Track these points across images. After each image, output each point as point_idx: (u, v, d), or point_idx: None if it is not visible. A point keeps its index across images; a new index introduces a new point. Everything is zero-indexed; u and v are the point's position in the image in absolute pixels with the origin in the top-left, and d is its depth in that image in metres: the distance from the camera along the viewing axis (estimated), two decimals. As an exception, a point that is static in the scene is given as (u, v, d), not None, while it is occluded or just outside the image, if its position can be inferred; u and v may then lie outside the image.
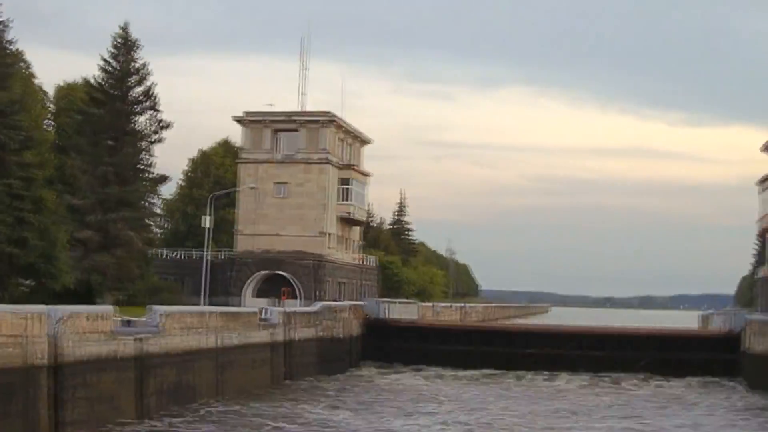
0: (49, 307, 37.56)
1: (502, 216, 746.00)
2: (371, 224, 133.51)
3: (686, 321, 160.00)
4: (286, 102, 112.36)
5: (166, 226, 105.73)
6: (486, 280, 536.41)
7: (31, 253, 47.23)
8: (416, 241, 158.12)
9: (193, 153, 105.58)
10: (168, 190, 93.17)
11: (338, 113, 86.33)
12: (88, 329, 39.44)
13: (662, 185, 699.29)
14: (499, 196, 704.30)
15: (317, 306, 69.21)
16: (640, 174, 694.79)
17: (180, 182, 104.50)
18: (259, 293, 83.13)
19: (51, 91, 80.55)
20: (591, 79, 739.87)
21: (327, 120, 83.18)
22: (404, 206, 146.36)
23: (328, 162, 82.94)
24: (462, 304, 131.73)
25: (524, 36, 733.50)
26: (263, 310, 59.84)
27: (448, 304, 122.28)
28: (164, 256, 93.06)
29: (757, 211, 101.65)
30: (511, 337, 75.27)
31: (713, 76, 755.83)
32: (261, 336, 58.05)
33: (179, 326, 47.42)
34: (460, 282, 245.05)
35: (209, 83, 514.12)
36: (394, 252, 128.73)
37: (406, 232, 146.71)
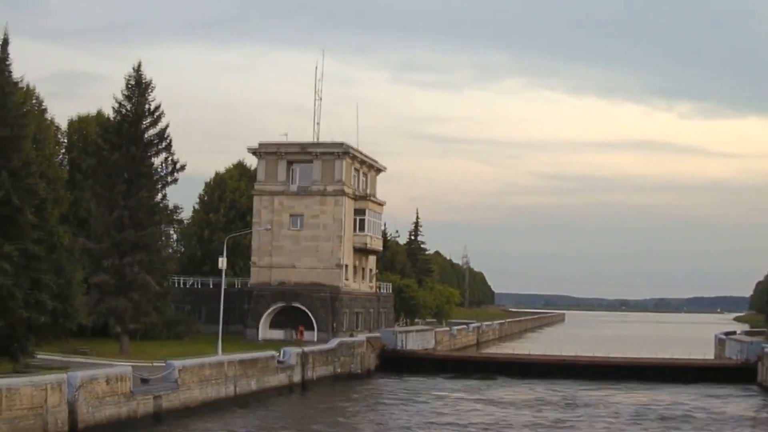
0: (69, 374, 37.66)
1: (513, 216, 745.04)
2: (387, 240, 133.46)
3: (703, 332, 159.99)
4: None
5: (182, 251, 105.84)
6: (500, 284, 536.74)
7: (46, 292, 47.18)
8: (429, 251, 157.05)
9: (210, 174, 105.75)
10: (184, 212, 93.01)
11: (353, 141, 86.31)
12: (107, 392, 39.62)
13: (677, 182, 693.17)
14: (510, 196, 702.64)
15: (334, 343, 69.36)
16: (654, 169, 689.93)
17: (195, 206, 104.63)
18: (275, 325, 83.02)
19: (63, 123, 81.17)
20: (594, 68, 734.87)
21: (341, 152, 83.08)
22: (419, 227, 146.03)
23: (343, 194, 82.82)
24: (478, 324, 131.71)
25: (524, 24, 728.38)
26: (281, 352, 60.05)
27: (464, 325, 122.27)
28: (180, 284, 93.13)
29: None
30: (526, 367, 75.44)
31: (726, 63, 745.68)
32: (279, 379, 58.25)
33: (197, 379, 47.60)
34: (475, 290, 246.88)
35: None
36: (410, 274, 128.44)
37: (421, 253, 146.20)
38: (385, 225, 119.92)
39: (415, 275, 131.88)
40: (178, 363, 46.14)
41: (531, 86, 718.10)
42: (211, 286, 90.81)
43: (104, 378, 38.95)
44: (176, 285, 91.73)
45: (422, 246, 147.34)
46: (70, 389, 36.53)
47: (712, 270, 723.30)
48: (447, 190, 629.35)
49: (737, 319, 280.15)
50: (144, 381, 43.15)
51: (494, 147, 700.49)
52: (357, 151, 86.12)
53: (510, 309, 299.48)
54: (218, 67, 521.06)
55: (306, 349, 63.68)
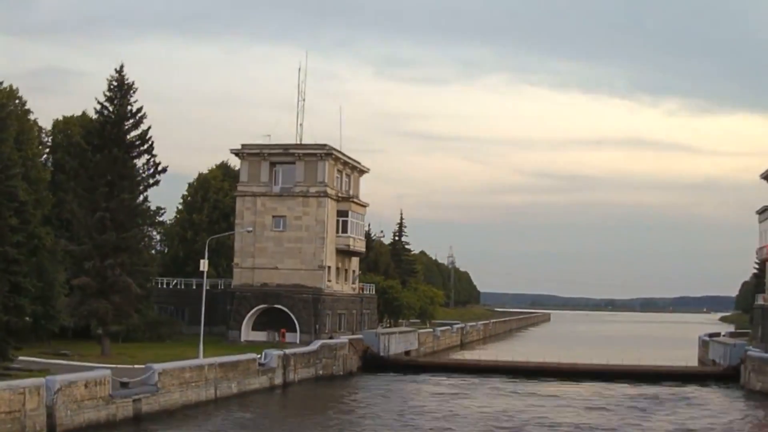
0: (48, 378, 37.70)
1: (499, 215, 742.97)
2: (371, 239, 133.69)
3: (689, 331, 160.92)
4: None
5: (165, 251, 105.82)
6: (486, 283, 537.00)
7: (26, 296, 47.15)
8: (413, 251, 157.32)
9: (193, 175, 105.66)
10: (166, 212, 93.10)
11: (336, 142, 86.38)
12: (86, 396, 39.63)
13: (663, 180, 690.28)
14: (495, 194, 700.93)
15: (316, 345, 69.46)
16: (640, 167, 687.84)
17: (178, 206, 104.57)
18: (258, 326, 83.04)
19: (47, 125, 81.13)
20: (578, 64, 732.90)
21: (324, 153, 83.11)
22: (403, 227, 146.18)
23: (326, 195, 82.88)
24: (462, 325, 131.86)
25: (506, 18, 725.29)
26: (263, 355, 60.16)
27: (448, 326, 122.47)
28: (163, 285, 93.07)
29: (758, 239, 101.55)
30: (509, 372, 75.51)
31: (714, 58, 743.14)
32: (260, 381, 58.31)
33: (177, 382, 47.61)
34: (460, 290, 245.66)
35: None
36: (394, 275, 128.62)
37: (406, 253, 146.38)
38: (369, 226, 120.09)
39: (399, 276, 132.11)
40: (157, 366, 46.16)
41: (514, 82, 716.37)
42: (194, 287, 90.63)
43: (83, 382, 38.98)
44: (159, 286, 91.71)
45: (406, 246, 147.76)
46: (49, 393, 36.56)
47: (699, 270, 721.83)
48: (432, 188, 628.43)
49: (723, 320, 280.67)
50: (123, 385, 43.13)
51: (479, 144, 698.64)
52: (340, 152, 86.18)
53: (496, 309, 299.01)
54: (198, 61, 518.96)
55: (287, 351, 63.80)
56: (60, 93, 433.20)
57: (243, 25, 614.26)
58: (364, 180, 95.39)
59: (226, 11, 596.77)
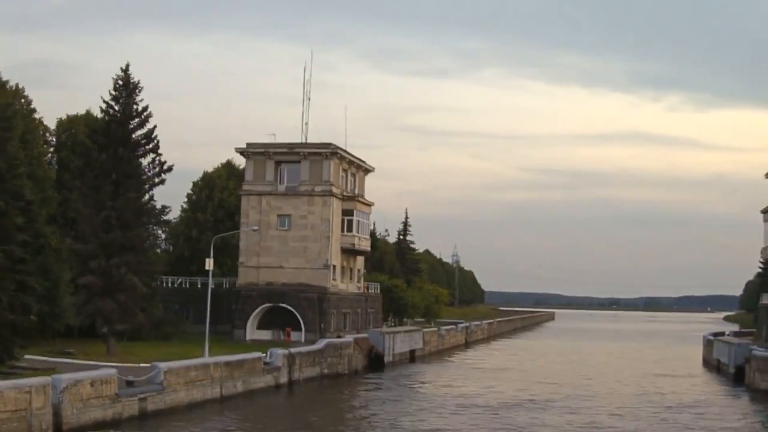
0: (54, 377, 37.77)
1: (501, 212, 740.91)
2: (375, 240, 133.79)
3: (692, 331, 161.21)
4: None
5: (170, 250, 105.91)
6: (490, 282, 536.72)
7: (31, 294, 47.24)
8: (418, 250, 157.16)
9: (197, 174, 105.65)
10: (172, 212, 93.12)
11: (340, 141, 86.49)
12: (92, 395, 39.69)
13: (667, 176, 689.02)
14: (497, 191, 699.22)
15: (321, 344, 69.60)
16: (643, 163, 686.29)
17: (183, 205, 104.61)
18: (263, 325, 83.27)
19: (52, 125, 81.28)
20: (577, 57, 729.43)
21: (329, 152, 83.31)
22: (408, 225, 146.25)
23: (331, 194, 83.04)
24: (466, 324, 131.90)
25: (504, 10, 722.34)
26: (268, 353, 60.25)
27: (453, 326, 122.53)
28: (168, 284, 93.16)
29: (762, 238, 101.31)
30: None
31: (717, 51, 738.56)
32: (265, 380, 58.41)
33: (183, 381, 47.70)
34: (465, 289, 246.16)
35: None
36: (399, 274, 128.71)
37: (410, 252, 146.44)
38: (374, 225, 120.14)
39: (404, 275, 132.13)
40: (163, 365, 46.24)
41: (511, 75, 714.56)
42: (199, 286, 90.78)
43: (89, 381, 39.06)
44: (164, 285, 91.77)
45: (411, 245, 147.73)
46: (55, 392, 36.65)
47: (702, 268, 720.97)
48: (433, 185, 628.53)
49: (727, 319, 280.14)
50: (129, 383, 43.23)
51: (479, 139, 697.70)
52: (345, 151, 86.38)
53: (500, 308, 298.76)
54: (194, 54, 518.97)
55: (293, 350, 63.89)
56: (50, 86, 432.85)
57: (238, 18, 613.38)
58: (368, 178, 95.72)
59: (223, 4, 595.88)
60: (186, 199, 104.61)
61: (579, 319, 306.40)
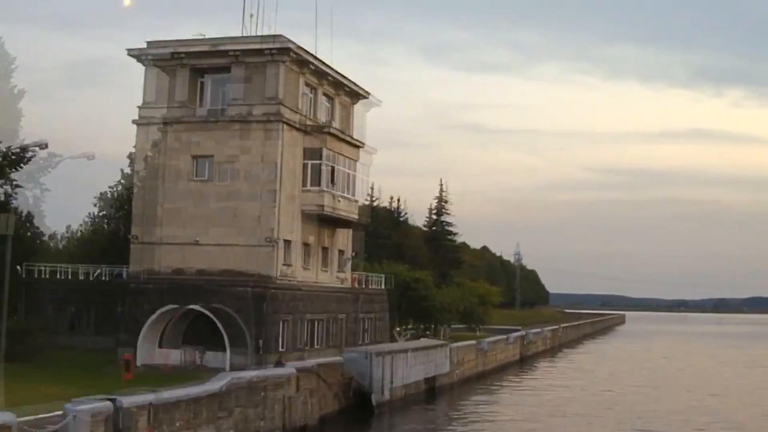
0: None
1: (564, 212, 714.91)
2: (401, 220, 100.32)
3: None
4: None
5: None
6: (554, 283, 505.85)
7: None
8: (457, 234, 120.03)
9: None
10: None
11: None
12: None
13: (733, 174, 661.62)
14: (559, 191, 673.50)
15: (221, 382, 35.68)
16: (708, 161, 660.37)
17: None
18: (169, 341, 49.91)
19: None
20: (635, 50, 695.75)
21: (278, 49, 49.36)
22: (444, 201, 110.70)
23: (280, 119, 49.28)
24: (523, 333, 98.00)
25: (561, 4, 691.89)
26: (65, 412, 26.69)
27: (503, 336, 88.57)
28: (63, 276, 61.92)
29: None
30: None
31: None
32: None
33: None
34: (528, 290, 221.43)
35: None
36: (428, 264, 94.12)
37: (448, 238, 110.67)
38: (372, 186, 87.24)
39: (437, 267, 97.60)
40: None
41: (567, 71, 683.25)
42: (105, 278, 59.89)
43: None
44: (59, 277, 61.49)
45: (448, 229, 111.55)
46: None
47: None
48: (492, 184, 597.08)
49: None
50: None
51: (537, 137, 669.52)
52: (309, 53, 52.39)
53: (565, 310, 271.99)
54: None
55: (157, 398, 29.92)
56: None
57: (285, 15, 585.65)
58: (369, 116, 62.09)
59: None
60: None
61: (650, 321, 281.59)
